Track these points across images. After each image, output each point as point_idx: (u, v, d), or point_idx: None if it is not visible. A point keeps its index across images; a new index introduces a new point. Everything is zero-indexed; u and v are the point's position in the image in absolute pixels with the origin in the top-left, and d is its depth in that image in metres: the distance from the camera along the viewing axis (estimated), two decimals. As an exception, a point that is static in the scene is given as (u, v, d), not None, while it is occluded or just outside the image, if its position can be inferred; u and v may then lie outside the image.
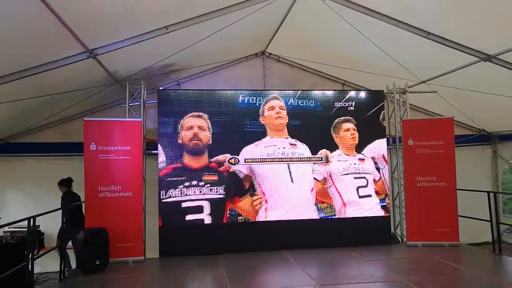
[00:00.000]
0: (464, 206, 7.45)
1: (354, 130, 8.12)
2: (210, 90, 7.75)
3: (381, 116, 8.19)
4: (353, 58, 8.34)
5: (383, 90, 8.36)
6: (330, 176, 7.95)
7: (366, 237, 7.67)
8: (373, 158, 8.14)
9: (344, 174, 8.00)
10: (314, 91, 8.08)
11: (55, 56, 5.70)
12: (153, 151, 7.70)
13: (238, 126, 7.66)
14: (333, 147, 8.00)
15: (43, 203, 7.36)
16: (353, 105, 8.03)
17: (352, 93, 8.14)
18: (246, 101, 7.75)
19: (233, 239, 7.35)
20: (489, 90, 7.36)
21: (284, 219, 7.56)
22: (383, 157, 8.15)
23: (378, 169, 8.10)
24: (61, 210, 6.45)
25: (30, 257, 5.21)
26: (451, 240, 7.34)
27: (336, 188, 7.95)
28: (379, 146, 8.16)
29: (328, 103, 8.00)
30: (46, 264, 7.43)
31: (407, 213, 7.69)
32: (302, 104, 7.92)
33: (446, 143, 7.59)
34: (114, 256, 6.57)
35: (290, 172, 7.77)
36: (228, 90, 7.80)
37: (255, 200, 7.57)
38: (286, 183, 7.71)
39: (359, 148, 8.12)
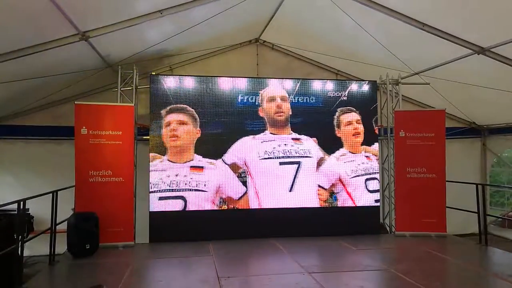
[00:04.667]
0: (452, 198, 7.56)
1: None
2: (203, 76, 7.69)
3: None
4: (347, 48, 8.31)
5: (376, 81, 8.37)
6: None
7: (356, 226, 7.71)
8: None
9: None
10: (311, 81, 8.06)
11: (46, 37, 5.57)
12: (144, 137, 7.65)
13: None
14: None
15: (33, 187, 7.27)
16: (346, 95, 8.02)
17: (346, 83, 8.13)
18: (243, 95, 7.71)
19: (224, 226, 7.36)
20: (481, 83, 7.40)
21: (275, 207, 7.56)
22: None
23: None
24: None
25: (19, 239, 5.17)
26: (439, 231, 7.45)
27: None
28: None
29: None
30: (35, 247, 7.38)
31: (397, 203, 7.77)
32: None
33: (437, 135, 7.63)
34: (104, 241, 6.57)
35: None
36: (221, 76, 7.74)
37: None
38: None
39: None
